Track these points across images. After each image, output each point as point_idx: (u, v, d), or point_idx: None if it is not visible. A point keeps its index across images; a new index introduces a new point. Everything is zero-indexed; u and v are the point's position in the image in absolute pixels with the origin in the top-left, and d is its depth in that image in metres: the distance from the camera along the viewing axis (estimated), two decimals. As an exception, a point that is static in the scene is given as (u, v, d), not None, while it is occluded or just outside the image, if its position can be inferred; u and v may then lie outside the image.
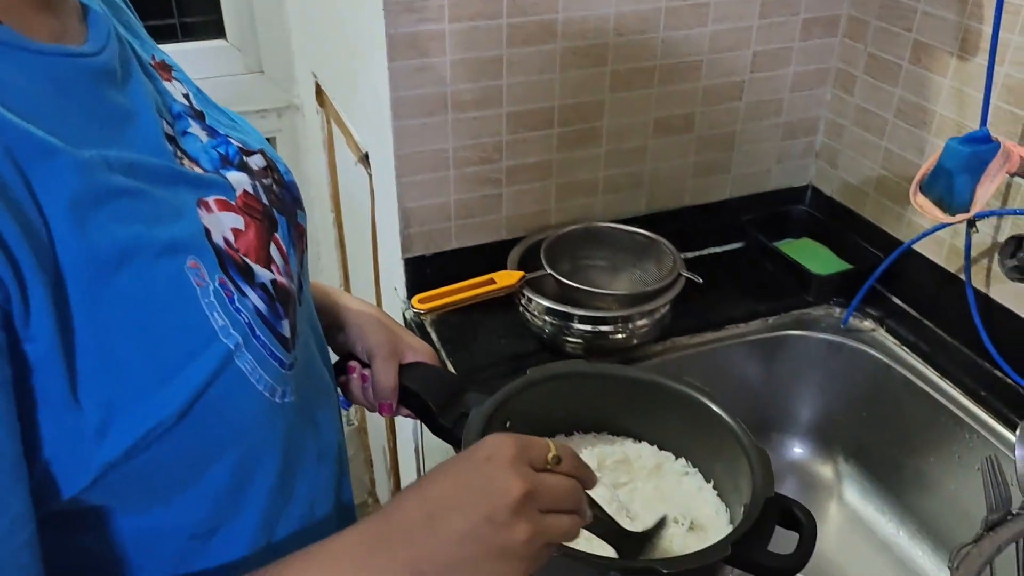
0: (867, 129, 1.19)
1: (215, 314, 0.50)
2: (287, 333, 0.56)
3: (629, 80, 1.12)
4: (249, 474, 0.55)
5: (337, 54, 1.30)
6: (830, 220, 1.29)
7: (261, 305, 0.54)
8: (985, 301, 1.05)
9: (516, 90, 1.07)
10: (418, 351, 0.79)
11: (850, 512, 1.16)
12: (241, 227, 0.55)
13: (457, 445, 0.73)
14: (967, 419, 1.02)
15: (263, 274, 0.55)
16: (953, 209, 0.80)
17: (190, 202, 0.52)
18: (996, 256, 0.89)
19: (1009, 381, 1.03)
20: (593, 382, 0.80)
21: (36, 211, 0.42)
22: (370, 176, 1.24)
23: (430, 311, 1.02)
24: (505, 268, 1.13)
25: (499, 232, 1.17)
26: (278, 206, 0.61)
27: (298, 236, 0.64)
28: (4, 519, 0.41)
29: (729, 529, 0.71)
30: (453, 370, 1.05)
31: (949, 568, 0.56)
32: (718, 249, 1.31)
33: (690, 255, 1.29)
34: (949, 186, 0.80)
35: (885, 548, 1.11)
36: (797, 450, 1.23)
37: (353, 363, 0.78)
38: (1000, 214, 1.01)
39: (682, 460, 0.80)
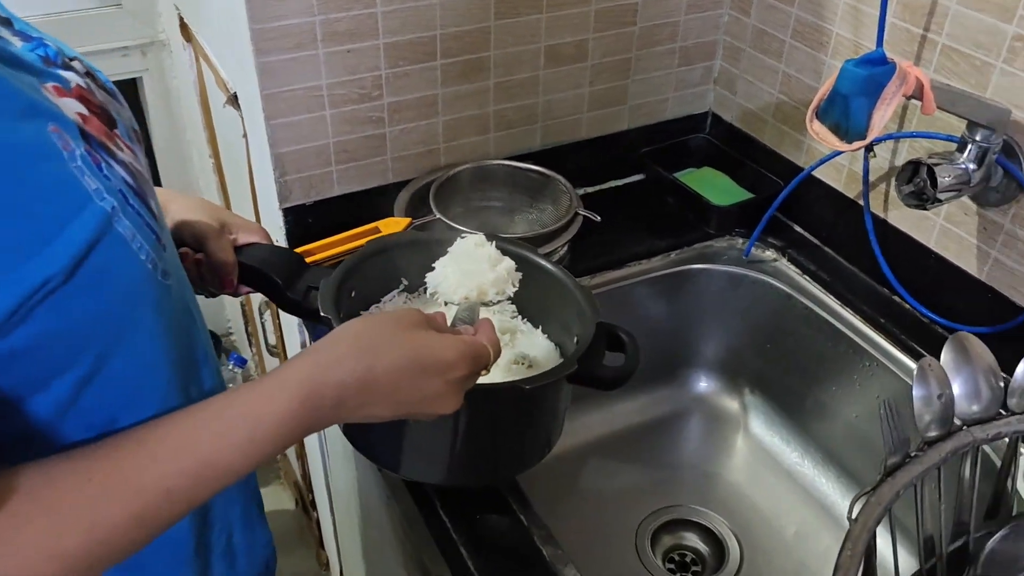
0: (764, 52, 1.15)
1: (86, 178, 0.49)
2: (156, 211, 0.55)
3: (515, 5, 1.04)
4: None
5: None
6: (730, 148, 1.25)
7: (127, 178, 0.53)
8: (883, 226, 1.04)
9: (392, 18, 0.98)
10: (252, 230, 0.80)
11: (756, 443, 1.16)
12: (86, 113, 0.53)
13: (309, 316, 0.75)
14: (867, 347, 1.01)
15: (120, 155, 0.54)
16: (850, 136, 0.77)
17: (34, 82, 0.51)
18: (893, 182, 0.87)
19: (907, 306, 1.02)
20: (424, 248, 0.81)
21: None
22: (241, 118, 1.13)
23: (312, 264, 0.94)
24: (392, 214, 1.05)
25: (385, 175, 1.09)
26: (111, 106, 0.59)
27: (137, 138, 0.61)
28: None
29: (561, 361, 0.78)
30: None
31: (849, 520, 0.54)
32: (618, 182, 1.26)
33: (589, 190, 1.24)
34: (845, 111, 0.76)
35: (790, 477, 1.11)
36: (703, 384, 1.22)
37: (184, 249, 0.76)
38: (897, 137, 0.99)
39: (511, 309, 0.85)
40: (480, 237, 0.78)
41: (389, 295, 0.85)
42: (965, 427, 0.62)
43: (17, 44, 0.55)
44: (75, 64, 0.59)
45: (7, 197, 0.44)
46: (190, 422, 0.51)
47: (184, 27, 1.36)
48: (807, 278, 1.11)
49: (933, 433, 0.60)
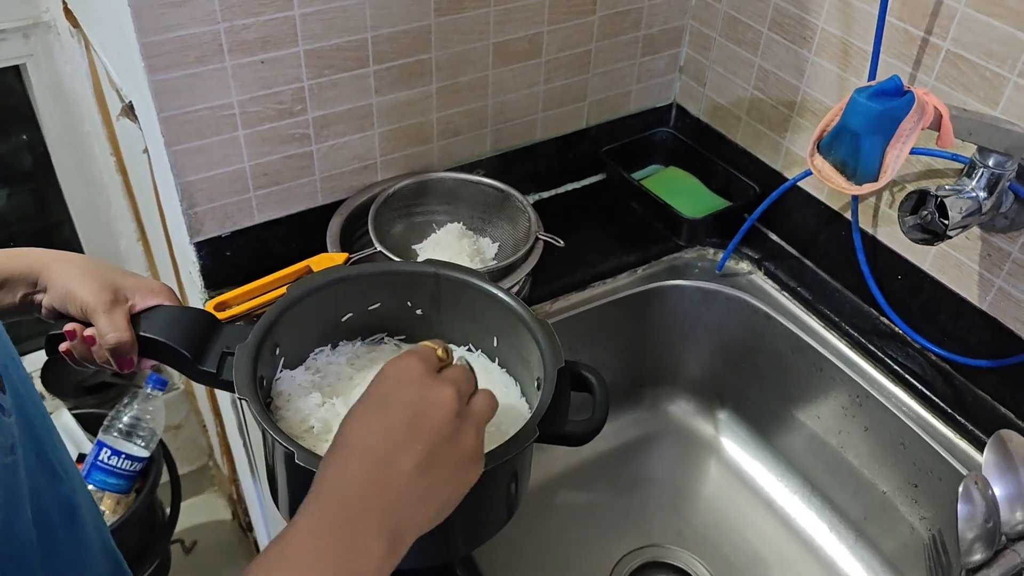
0: (738, 43, 1.03)
1: None
2: None
3: (460, 2, 0.89)
4: None
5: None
6: (698, 145, 1.14)
7: None
8: (872, 243, 0.94)
9: (314, 21, 0.82)
10: (151, 292, 0.69)
11: (731, 469, 1.08)
12: None
13: (226, 388, 0.65)
14: (853, 374, 0.93)
15: None
16: (859, 177, 0.66)
17: None
18: (890, 207, 0.77)
19: (897, 331, 0.94)
20: (355, 285, 0.71)
21: None
22: (141, 131, 0.97)
23: (231, 319, 0.81)
24: (323, 243, 0.92)
25: (314, 198, 0.94)
26: None
27: None
28: None
29: (522, 401, 0.71)
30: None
31: None
32: (576, 184, 1.14)
33: (545, 195, 1.12)
34: (854, 149, 0.65)
35: (769, 506, 1.03)
36: (674, 406, 1.13)
37: (72, 325, 0.67)
38: (889, 148, 0.89)
39: (464, 347, 0.75)
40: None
41: (319, 349, 0.72)
42: (1011, 544, 0.53)
43: None
44: None
45: None
46: None
47: (68, 12, 1.17)
48: (785, 294, 1.02)
49: (978, 556, 0.51)
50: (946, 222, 0.73)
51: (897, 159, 0.64)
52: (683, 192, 1.10)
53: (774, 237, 1.06)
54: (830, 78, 0.92)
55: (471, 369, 0.57)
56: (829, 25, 0.90)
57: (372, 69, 0.89)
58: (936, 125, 0.66)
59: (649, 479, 1.08)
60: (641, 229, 1.08)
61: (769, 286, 1.03)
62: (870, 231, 0.94)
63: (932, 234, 0.75)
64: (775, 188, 0.98)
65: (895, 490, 0.91)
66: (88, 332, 0.66)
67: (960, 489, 0.51)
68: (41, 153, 1.48)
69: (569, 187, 1.13)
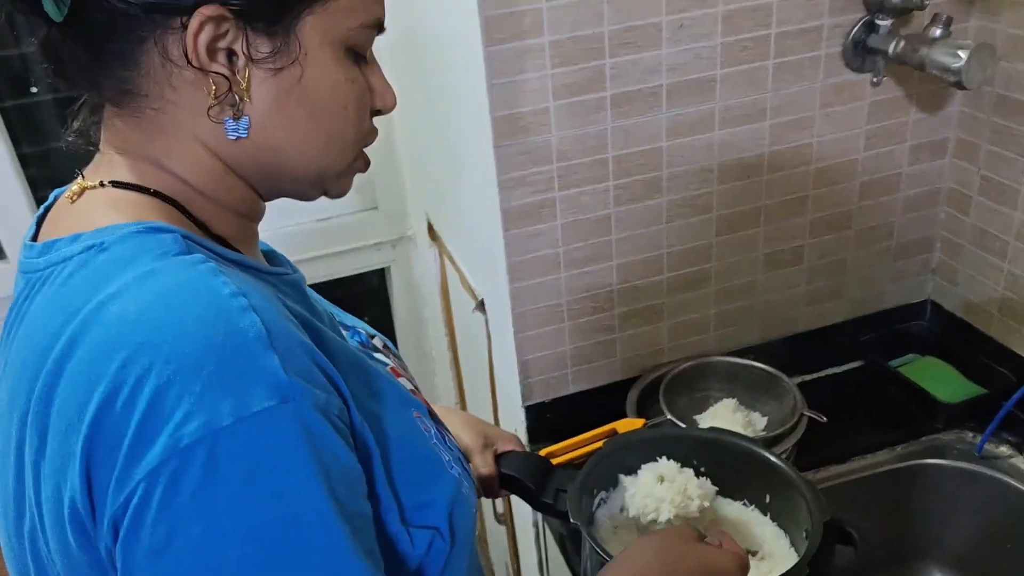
0: (986, 250, 1.17)
1: (441, 450, 0.63)
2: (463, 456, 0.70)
3: (734, 223, 1.14)
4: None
5: (451, 209, 1.37)
6: (953, 337, 1.26)
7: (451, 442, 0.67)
8: None
9: (624, 244, 1.10)
10: (508, 441, 0.93)
11: (1002, 651, 1.11)
12: (413, 389, 0.69)
13: (559, 516, 0.85)
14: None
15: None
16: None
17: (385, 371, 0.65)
18: None
19: None
20: (654, 445, 0.89)
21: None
22: (486, 322, 1.29)
23: (559, 466, 1.05)
24: (622, 406, 1.15)
25: (614, 374, 1.19)
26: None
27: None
28: None
29: (790, 551, 0.83)
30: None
31: None
32: (836, 370, 1.30)
33: (808, 378, 1.29)
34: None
35: None
36: (938, 582, 1.19)
37: None
38: None
39: (742, 501, 0.90)
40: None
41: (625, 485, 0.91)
42: None
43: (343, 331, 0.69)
44: (375, 341, 0.73)
45: (411, 461, 0.58)
46: None
47: (431, 229, 1.57)
48: (1049, 479, 1.08)
49: None
50: None
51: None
52: (939, 379, 1.22)
53: (1034, 424, 1.14)
54: (1076, 282, 1.03)
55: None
56: (1070, 237, 1.03)
57: (665, 277, 1.15)
58: None
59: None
60: (898, 411, 1.20)
61: (1031, 470, 1.10)
62: None
63: None
64: (1031, 378, 1.07)
65: None
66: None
67: None
68: (387, 332, 1.90)
69: (829, 371, 1.29)
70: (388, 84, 0.62)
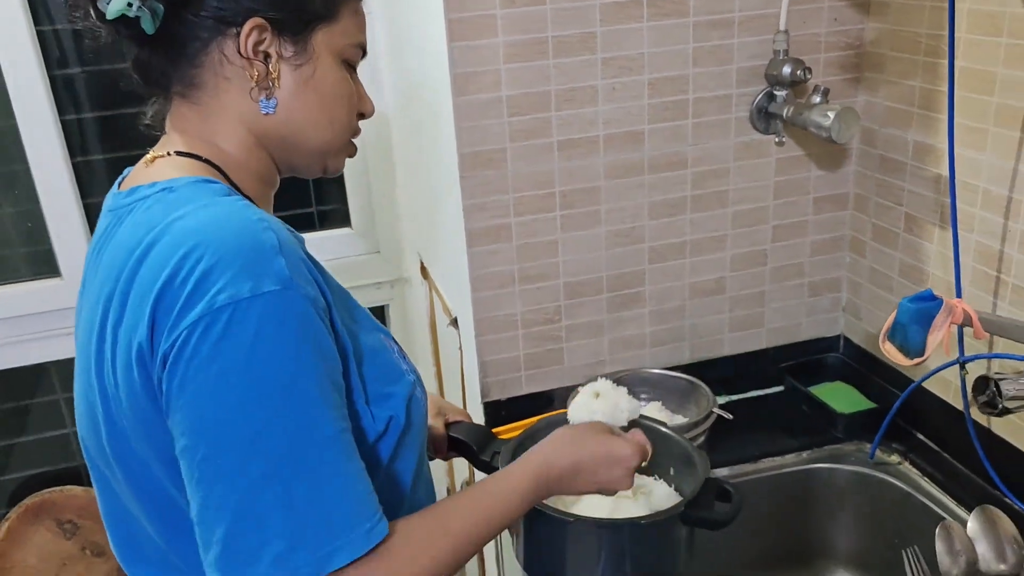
0: (879, 287, 1.38)
1: (401, 362, 0.82)
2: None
3: (664, 253, 1.36)
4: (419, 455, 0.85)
5: (435, 239, 1.62)
6: (860, 366, 1.45)
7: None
8: (987, 435, 1.18)
9: (569, 265, 1.33)
10: (458, 413, 1.11)
11: (890, 635, 1.26)
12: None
13: (494, 471, 1.00)
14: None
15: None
16: (911, 354, 0.98)
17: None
18: (971, 393, 1.05)
19: (1016, 508, 1.14)
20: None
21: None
22: (459, 336, 1.51)
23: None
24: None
25: (563, 379, 1.40)
26: None
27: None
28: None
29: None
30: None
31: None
32: (760, 392, 1.49)
33: (734, 398, 1.48)
34: (905, 336, 0.98)
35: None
36: (836, 574, 1.34)
37: None
38: (989, 357, 1.17)
39: (653, 476, 1.09)
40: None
41: None
42: (990, 583, 0.77)
43: None
44: None
45: (377, 364, 0.78)
46: (477, 494, 0.79)
47: (423, 268, 1.81)
48: (927, 479, 1.25)
49: (959, 584, 0.76)
50: (1001, 399, 1.01)
51: (934, 341, 0.97)
52: (843, 398, 1.41)
53: (918, 435, 1.32)
54: (941, 308, 1.24)
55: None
56: (936, 270, 1.24)
57: (605, 296, 1.37)
58: (969, 322, 0.98)
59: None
60: (806, 424, 1.39)
61: (914, 473, 1.28)
62: (984, 424, 1.19)
63: (995, 407, 1.02)
64: (920, 395, 1.27)
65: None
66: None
67: (937, 531, 0.73)
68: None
69: (752, 393, 1.48)
70: (367, 96, 0.87)
